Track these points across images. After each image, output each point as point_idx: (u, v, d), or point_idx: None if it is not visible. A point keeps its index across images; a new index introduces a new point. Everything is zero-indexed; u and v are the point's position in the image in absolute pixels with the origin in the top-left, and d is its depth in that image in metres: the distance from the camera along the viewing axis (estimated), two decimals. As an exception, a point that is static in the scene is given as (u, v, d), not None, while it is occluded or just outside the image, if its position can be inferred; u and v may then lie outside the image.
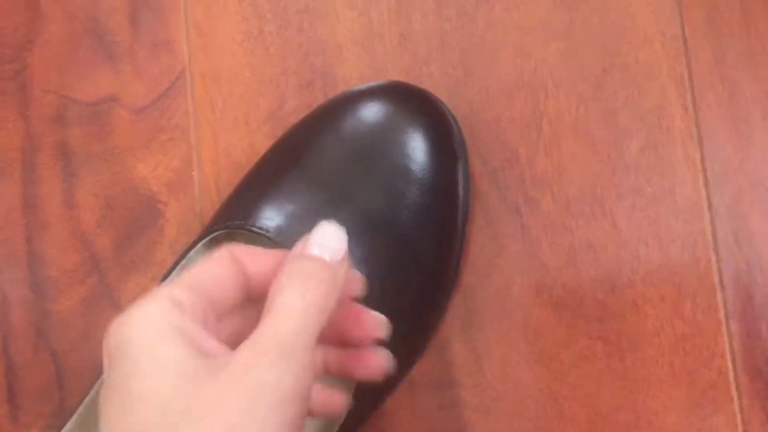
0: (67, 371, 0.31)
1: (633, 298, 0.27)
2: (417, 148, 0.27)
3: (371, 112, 0.28)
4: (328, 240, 0.21)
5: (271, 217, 0.27)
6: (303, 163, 0.28)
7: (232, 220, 0.27)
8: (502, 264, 0.28)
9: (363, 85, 0.29)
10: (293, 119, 0.30)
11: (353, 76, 0.30)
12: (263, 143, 0.30)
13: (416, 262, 0.27)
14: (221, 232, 0.27)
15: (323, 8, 0.30)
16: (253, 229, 0.26)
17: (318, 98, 0.30)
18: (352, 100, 0.29)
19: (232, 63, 0.31)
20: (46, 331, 0.31)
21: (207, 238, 0.27)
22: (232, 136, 0.31)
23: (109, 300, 0.31)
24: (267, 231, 0.26)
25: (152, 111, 0.31)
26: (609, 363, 0.27)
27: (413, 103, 0.28)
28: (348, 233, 0.23)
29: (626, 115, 0.28)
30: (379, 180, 0.27)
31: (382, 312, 0.24)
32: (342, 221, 0.24)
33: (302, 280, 0.19)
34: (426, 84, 0.29)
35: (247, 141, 0.31)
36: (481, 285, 0.28)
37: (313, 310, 0.19)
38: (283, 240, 0.25)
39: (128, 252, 0.31)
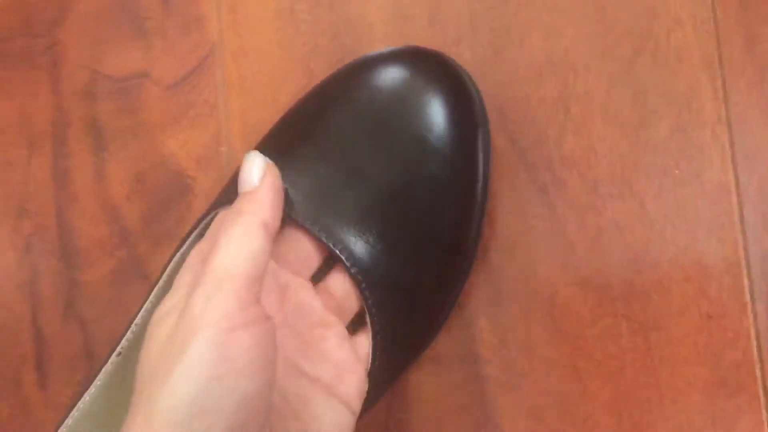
0: (95, 341, 0.32)
1: (659, 278, 0.28)
2: (434, 114, 0.27)
3: (385, 78, 0.28)
4: (244, 174, 0.24)
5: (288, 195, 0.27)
6: (316, 135, 0.28)
7: None
8: (528, 242, 0.29)
9: (376, 52, 0.29)
10: (323, 97, 0.31)
11: (383, 54, 0.30)
12: (292, 120, 0.31)
13: (433, 235, 0.27)
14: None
15: (354, -13, 0.31)
16: None
17: (348, 76, 0.31)
18: (365, 66, 0.29)
19: (262, 40, 0.32)
20: (74, 301, 0.32)
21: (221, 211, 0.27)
22: (260, 112, 0.31)
23: (137, 272, 0.32)
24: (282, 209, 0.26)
25: (182, 87, 0.32)
26: (633, 341, 0.28)
27: (430, 68, 0.28)
28: (363, 207, 0.25)
29: (656, 97, 0.29)
30: (394, 150, 0.27)
31: (399, 285, 0.26)
32: (357, 194, 0.26)
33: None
34: (456, 63, 0.29)
35: (276, 117, 0.31)
36: (508, 263, 0.29)
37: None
38: (298, 216, 0.26)
39: (156, 225, 0.32)
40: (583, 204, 0.28)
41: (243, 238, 0.23)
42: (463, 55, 0.30)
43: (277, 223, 0.24)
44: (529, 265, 0.28)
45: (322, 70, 0.31)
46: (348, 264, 0.26)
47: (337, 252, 0.26)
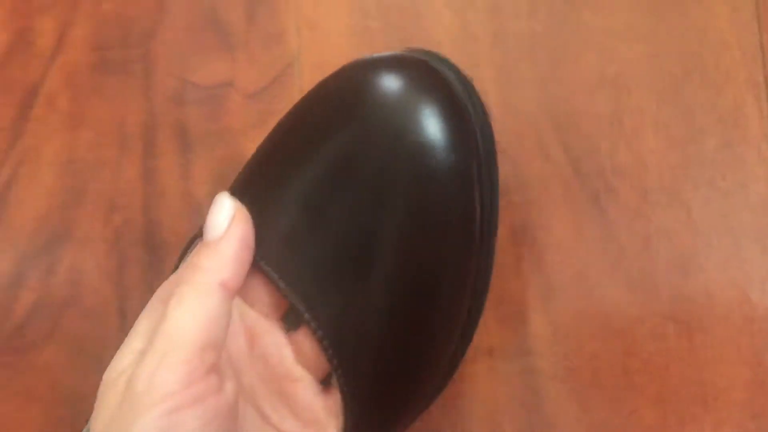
0: (176, 326, 0.35)
1: (704, 282, 0.30)
2: (416, 147, 0.23)
3: (349, 97, 0.25)
4: (209, 219, 0.23)
5: (260, 241, 0.24)
6: (285, 176, 0.25)
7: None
8: (581, 246, 0.31)
9: (360, 64, 0.26)
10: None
11: (449, 70, 0.33)
12: (363, 128, 0.34)
13: (416, 288, 0.25)
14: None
15: (424, 8, 0.34)
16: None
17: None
18: (327, 87, 0.27)
19: (338, 55, 0.35)
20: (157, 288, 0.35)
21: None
22: (334, 120, 0.34)
23: (216, 264, 0.35)
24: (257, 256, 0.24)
25: (263, 96, 0.36)
26: (679, 341, 0.30)
27: (407, 83, 0.24)
28: (333, 256, 0.23)
29: (704, 115, 0.31)
30: (368, 189, 0.24)
31: (372, 344, 0.24)
32: (325, 240, 0.24)
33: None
34: (514, 79, 0.32)
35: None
36: (562, 264, 0.31)
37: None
38: (262, 260, 0.24)
39: (235, 221, 0.35)
40: (633, 211, 0.31)
41: (196, 300, 0.21)
42: (523, 72, 0.33)
43: (240, 279, 0.22)
44: (581, 266, 0.31)
45: (392, 83, 0.34)
46: (312, 324, 0.23)
47: (301, 309, 0.24)
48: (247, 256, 0.23)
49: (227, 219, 0.23)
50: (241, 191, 0.26)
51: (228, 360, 0.24)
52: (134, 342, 0.22)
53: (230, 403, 0.21)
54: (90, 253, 0.37)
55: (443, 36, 0.34)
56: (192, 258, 0.23)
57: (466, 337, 0.27)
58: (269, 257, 0.24)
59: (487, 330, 0.32)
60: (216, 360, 0.21)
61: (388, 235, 0.24)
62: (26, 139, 0.38)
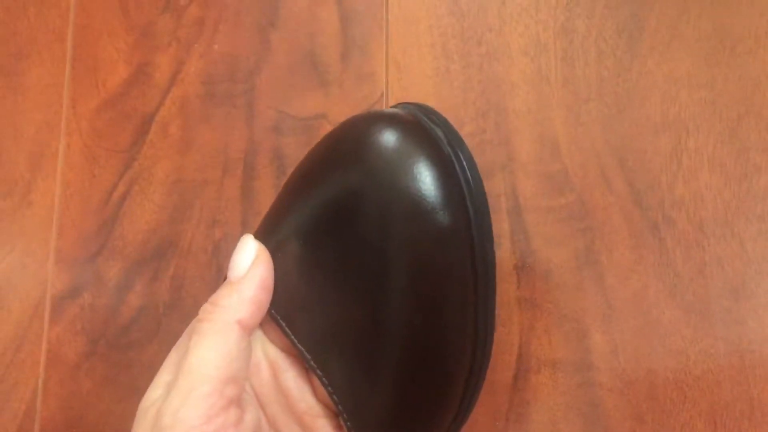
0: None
1: (754, 306, 0.35)
2: (402, 202, 0.25)
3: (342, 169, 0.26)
4: (233, 259, 0.25)
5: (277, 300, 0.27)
6: (294, 225, 0.27)
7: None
8: (640, 270, 0.36)
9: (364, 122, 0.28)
10: (469, 141, 0.40)
11: (522, 108, 0.40)
12: (442, 159, 0.40)
13: (415, 358, 0.25)
14: None
15: (501, 53, 0.40)
16: (272, 312, 0.27)
17: (491, 125, 0.40)
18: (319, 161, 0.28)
19: (422, 93, 0.41)
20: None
21: None
22: (416, 151, 0.41)
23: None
24: (276, 312, 0.27)
25: (353, 127, 0.42)
26: (729, 360, 0.34)
27: (401, 139, 0.26)
28: (339, 321, 0.24)
29: (757, 154, 0.36)
30: (366, 249, 0.25)
31: (380, 413, 0.25)
32: (333, 305, 0.25)
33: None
34: (582, 119, 0.38)
35: (429, 156, 0.40)
36: (622, 286, 0.36)
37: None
38: (279, 314, 0.26)
39: (323, 239, 0.41)
40: (689, 241, 0.36)
41: (215, 338, 0.23)
42: (591, 112, 0.38)
43: (257, 318, 0.25)
44: (640, 289, 0.36)
45: (469, 119, 0.40)
46: (323, 379, 0.25)
47: (311, 365, 0.26)
48: (265, 297, 0.25)
49: (249, 260, 0.25)
50: (263, 236, 0.28)
51: (252, 390, 0.27)
52: (164, 374, 0.25)
53: (250, 430, 0.23)
54: (192, 262, 0.43)
55: (518, 78, 0.40)
56: (214, 296, 0.25)
57: (467, 399, 0.28)
58: (281, 310, 0.26)
59: (551, 345, 0.37)
60: (237, 394, 0.23)
61: (390, 292, 0.24)
62: (141, 161, 0.45)
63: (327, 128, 0.45)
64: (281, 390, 0.27)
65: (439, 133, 0.28)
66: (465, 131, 0.42)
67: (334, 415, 0.27)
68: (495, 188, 0.41)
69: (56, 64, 0.50)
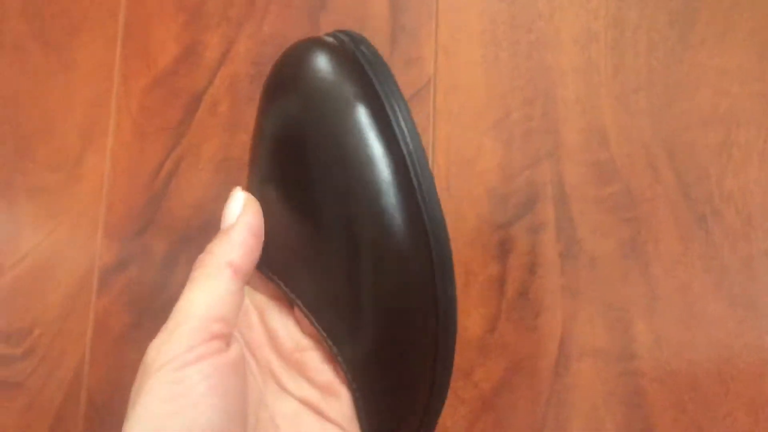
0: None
1: (801, 301, 0.35)
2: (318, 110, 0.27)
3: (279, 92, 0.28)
4: (225, 211, 0.27)
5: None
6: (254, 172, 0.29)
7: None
8: (686, 262, 0.37)
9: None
10: (516, 128, 0.41)
11: (570, 97, 0.40)
12: (489, 145, 0.41)
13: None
14: None
15: (551, 41, 0.41)
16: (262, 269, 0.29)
17: (538, 113, 0.40)
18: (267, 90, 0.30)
19: (470, 79, 0.42)
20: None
21: None
22: (463, 137, 0.41)
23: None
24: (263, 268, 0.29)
25: (400, 112, 0.43)
26: (775, 354, 0.35)
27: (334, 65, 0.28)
28: (315, 247, 0.26)
29: (809, 149, 0.36)
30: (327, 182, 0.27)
31: (366, 339, 0.27)
32: (307, 232, 0.27)
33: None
34: (631, 109, 0.39)
35: (476, 142, 0.41)
36: (667, 277, 0.37)
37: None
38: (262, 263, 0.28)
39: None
40: (737, 233, 0.36)
41: (205, 281, 0.24)
42: (640, 102, 0.39)
43: (248, 263, 0.26)
44: (685, 281, 0.36)
45: (517, 107, 0.41)
46: (310, 315, 0.27)
47: (298, 302, 0.27)
48: (255, 242, 0.26)
49: (238, 209, 0.26)
50: (248, 187, 0.30)
51: (243, 338, 0.28)
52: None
53: (233, 361, 0.24)
54: (237, 240, 0.44)
55: (567, 66, 0.41)
56: (208, 246, 0.26)
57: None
58: (264, 257, 0.28)
59: (594, 333, 0.38)
60: (223, 332, 0.24)
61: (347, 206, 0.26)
62: (189, 138, 0.46)
63: (374, 112, 0.46)
64: (269, 332, 0.28)
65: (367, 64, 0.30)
66: (512, 118, 0.43)
67: (322, 346, 0.28)
68: (541, 176, 0.41)
69: (108, 41, 0.51)
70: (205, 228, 0.46)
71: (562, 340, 0.39)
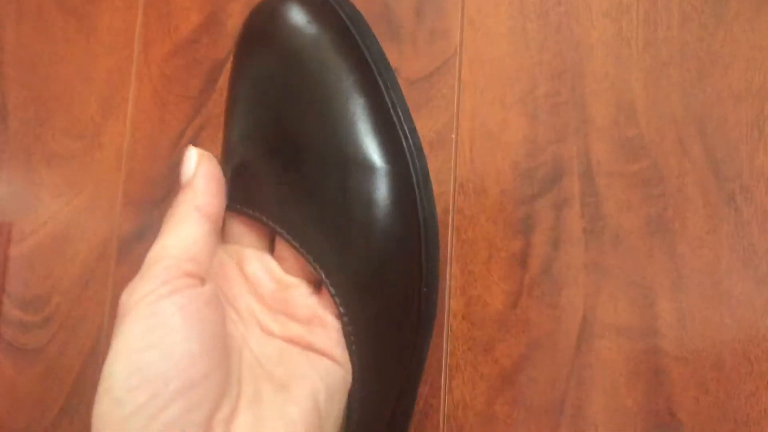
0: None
1: (831, 282, 0.35)
2: (314, 58, 0.29)
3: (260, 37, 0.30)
4: (182, 168, 0.28)
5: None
6: (237, 111, 0.31)
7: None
8: (713, 240, 0.36)
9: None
10: (542, 102, 0.40)
11: (599, 71, 0.39)
12: (514, 119, 0.40)
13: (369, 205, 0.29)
14: None
15: (580, 13, 0.40)
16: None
17: (566, 87, 0.40)
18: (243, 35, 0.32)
19: (496, 52, 0.42)
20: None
21: None
22: (488, 110, 0.41)
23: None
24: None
25: (424, 83, 0.42)
26: (802, 335, 0.35)
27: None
28: (289, 166, 0.28)
29: (844, 127, 0.36)
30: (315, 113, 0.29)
31: (351, 264, 0.28)
32: (285, 166, 0.28)
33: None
34: (662, 83, 0.38)
35: (501, 116, 0.41)
36: (693, 255, 0.36)
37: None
38: (234, 202, 0.30)
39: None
40: (766, 212, 0.36)
41: (175, 226, 0.26)
42: (671, 77, 0.38)
43: (214, 206, 0.28)
44: (712, 259, 0.36)
45: (544, 80, 0.40)
46: (293, 242, 0.28)
47: (282, 232, 0.29)
48: (217, 186, 0.28)
49: (194, 161, 0.28)
50: (225, 143, 0.32)
51: (224, 295, 0.29)
52: None
53: (208, 296, 0.25)
54: (257, 211, 0.44)
55: (596, 39, 0.40)
56: (173, 200, 0.28)
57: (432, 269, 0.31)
58: (247, 200, 0.29)
59: (617, 310, 0.37)
60: (197, 271, 0.25)
61: (319, 131, 0.29)
62: (210, 108, 0.46)
63: (399, 83, 0.45)
64: (249, 279, 0.29)
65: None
66: (539, 92, 0.42)
67: (305, 282, 0.30)
68: (568, 151, 0.41)
69: (129, 9, 0.51)
70: (225, 198, 0.46)
71: (585, 317, 0.39)
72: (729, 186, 0.39)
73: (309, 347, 0.28)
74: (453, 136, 0.43)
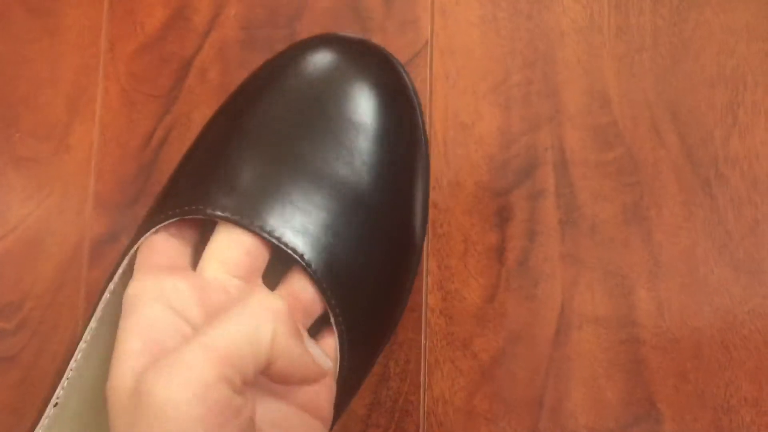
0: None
1: (808, 267, 0.34)
2: (366, 98, 0.29)
3: (311, 64, 0.29)
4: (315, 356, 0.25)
5: (226, 196, 0.26)
6: (247, 128, 0.28)
7: (187, 205, 0.27)
8: (690, 227, 0.36)
9: (302, 40, 0.32)
10: (515, 92, 0.40)
11: (571, 59, 0.39)
12: (487, 110, 0.40)
13: (375, 225, 0.28)
14: (175, 219, 0.27)
15: (551, 0, 0.40)
16: (216, 213, 0.26)
17: (538, 76, 0.39)
18: (289, 55, 0.31)
19: (467, 42, 0.41)
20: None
21: (162, 224, 0.28)
22: (460, 101, 0.41)
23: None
24: (226, 213, 0.26)
25: (395, 76, 0.42)
26: (779, 321, 0.35)
27: (357, 53, 0.31)
28: (308, 199, 0.26)
29: (818, 110, 0.36)
30: (326, 137, 0.28)
31: (358, 280, 0.27)
32: (295, 185, 0.26)
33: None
34: (635, 70, 0.38)
35: (473, 107, 0.40)
36: (670, 243, 0.36)
37: None
38: (243, 218, 0.26)
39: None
40: (742, 198, 0.36)
41: (247, 319, 0.22)
42: (644, 63, 0.38)
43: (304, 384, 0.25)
44: (688, 246, 0.36)
45: (516, 70, 0.40)
46: (306, 263, 0.26)
47: (292, 253, 0.26)
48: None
49: (321, 355, 0.26)
50: (201, 152, 0.31)
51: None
52: (132, 349, 0.23)
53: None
54: (230, 210, 0.44)
55: (568, 26, 0.40)
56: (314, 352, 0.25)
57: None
58: (241, 211, 0.27)
59: (594, 301, 0.37)
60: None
61: (350, 175, 0.28)
62: (179, 106, 0.46)
63: (369, 76, 0.45)
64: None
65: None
66: (511, 81, 0.42)
67: (307, 326, 0.28)
68: (541, 141, 0.41)
69: (93, 5, 0.50)
70: (197, 198, 0.46)
71: (563, 308, 0.39)
72: (704, 172, 0.38)
73: (304, 407, 0.25)
74: (426, 128, 0.43)
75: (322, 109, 0.28)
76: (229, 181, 0.27)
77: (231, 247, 0.26)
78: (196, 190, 0.28)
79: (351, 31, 0.45)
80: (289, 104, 0.28)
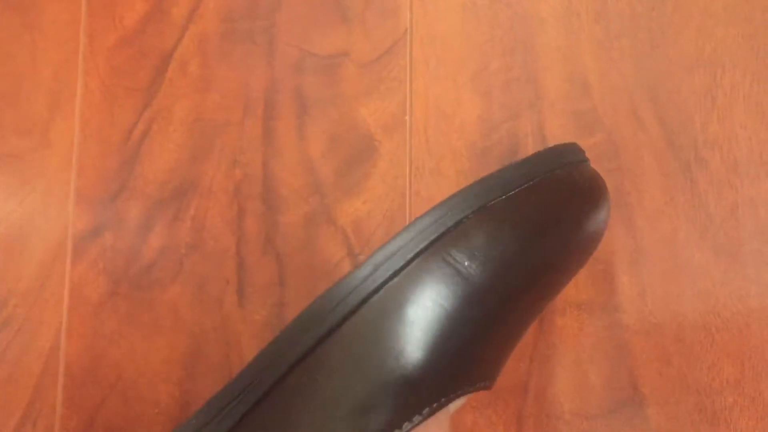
0: (288, 272, 0.42)
1: (788, 248, 0.34)
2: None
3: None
4: None
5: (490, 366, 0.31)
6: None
7: (478, 381, 0.30)
8: (671, 212, 0.36)
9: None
10: (495, 79, 0.40)
11: (551, 45, 0.39)
12: (468, 97, 0.40)
13: None
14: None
15: (530, -13, 0.40)
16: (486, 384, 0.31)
17: (518, 63, 0.39)
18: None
19: (447, 29, 0.41)
20: (273, 237, 0.42)
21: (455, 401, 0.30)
22: (441, 89, 0.40)
23: (326, 217, 0.41)
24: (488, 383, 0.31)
25: (376, 65, 0.42)
26: (760, 302, 0.35)
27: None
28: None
29: (796, 92, 0.36)
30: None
31: None
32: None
33: None
34: (614, 54, 0.38)
35: (454, 95, 0.40)
36: (651, 228, 0.36)
37: None
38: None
39: (346, 179, 0.41)
40: (722, 181, 0.36)
41: None
42: (623, 48, 0.38)
43: None
44: (670, 231, 0.36)
45: (496, 57, 0.40)
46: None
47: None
48: None
49: None
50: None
51: None
52: None
53: None
54: (213, 203, 0.44)
55: (547, 13, 0.40)
56: None
57: None
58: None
59: (577, 286, 0.37)
60: None
61: None
62: (159, 100, 0.45)
63: (348, 67, 0.45)
64: None
65: None
66: (492, 69, 0.42)
67: None
68: (522, 128, 0.40)
69: (72, 0, 0.50)
70: (179, 191, 0.45)
71: (546, 295, 0.38)
72: (684, 156, 0.38)
73: None
74: (406, 118, 0.43)
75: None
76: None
77: None
78: (485, 366, 0.32)
79: (331, 21, 0.45)
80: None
